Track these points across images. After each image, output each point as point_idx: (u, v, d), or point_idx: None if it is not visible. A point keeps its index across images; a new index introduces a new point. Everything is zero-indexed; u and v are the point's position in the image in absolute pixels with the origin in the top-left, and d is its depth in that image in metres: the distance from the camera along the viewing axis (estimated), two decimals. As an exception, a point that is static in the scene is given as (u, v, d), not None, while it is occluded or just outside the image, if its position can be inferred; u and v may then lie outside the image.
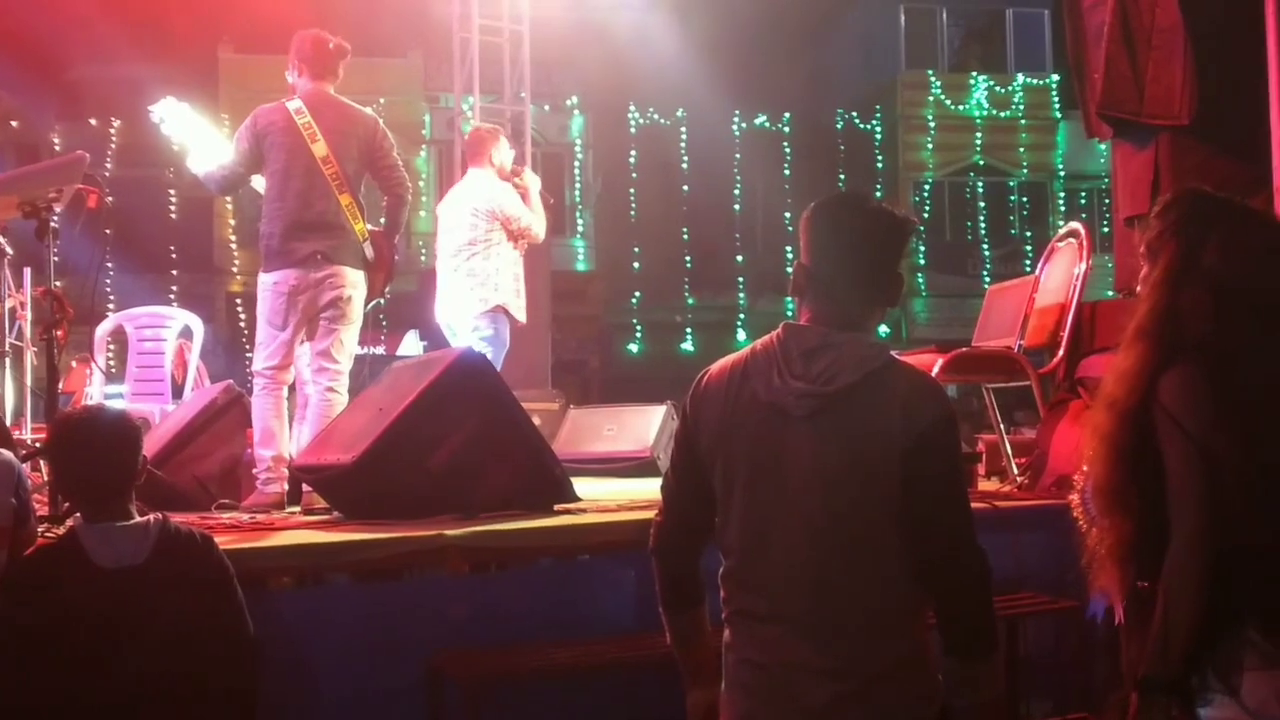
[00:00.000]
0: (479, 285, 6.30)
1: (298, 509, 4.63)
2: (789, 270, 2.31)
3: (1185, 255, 2.27)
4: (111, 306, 12.97)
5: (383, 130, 5.08)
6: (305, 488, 4.63)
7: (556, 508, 4.21)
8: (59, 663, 2.64)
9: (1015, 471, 4.98)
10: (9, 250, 5.24)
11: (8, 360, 5.21)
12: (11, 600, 2.73)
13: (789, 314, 2.35)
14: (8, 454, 3.08)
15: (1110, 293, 9.24)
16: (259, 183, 5.07)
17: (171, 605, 2.69)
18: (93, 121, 19.50)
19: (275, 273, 4.88)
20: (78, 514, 2.91)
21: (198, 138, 5.11)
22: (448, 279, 6.44)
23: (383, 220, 5.15)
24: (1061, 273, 5.12)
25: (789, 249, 19.11)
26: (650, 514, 2.43)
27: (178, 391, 7.58)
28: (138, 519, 2.80)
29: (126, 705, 2.63)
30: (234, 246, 19.80)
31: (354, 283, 4.91)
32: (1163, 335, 2.22)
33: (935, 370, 4.67)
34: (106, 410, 2.96)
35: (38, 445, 4.44)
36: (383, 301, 5.21)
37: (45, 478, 4.21)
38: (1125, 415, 2.21)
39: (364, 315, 5.06)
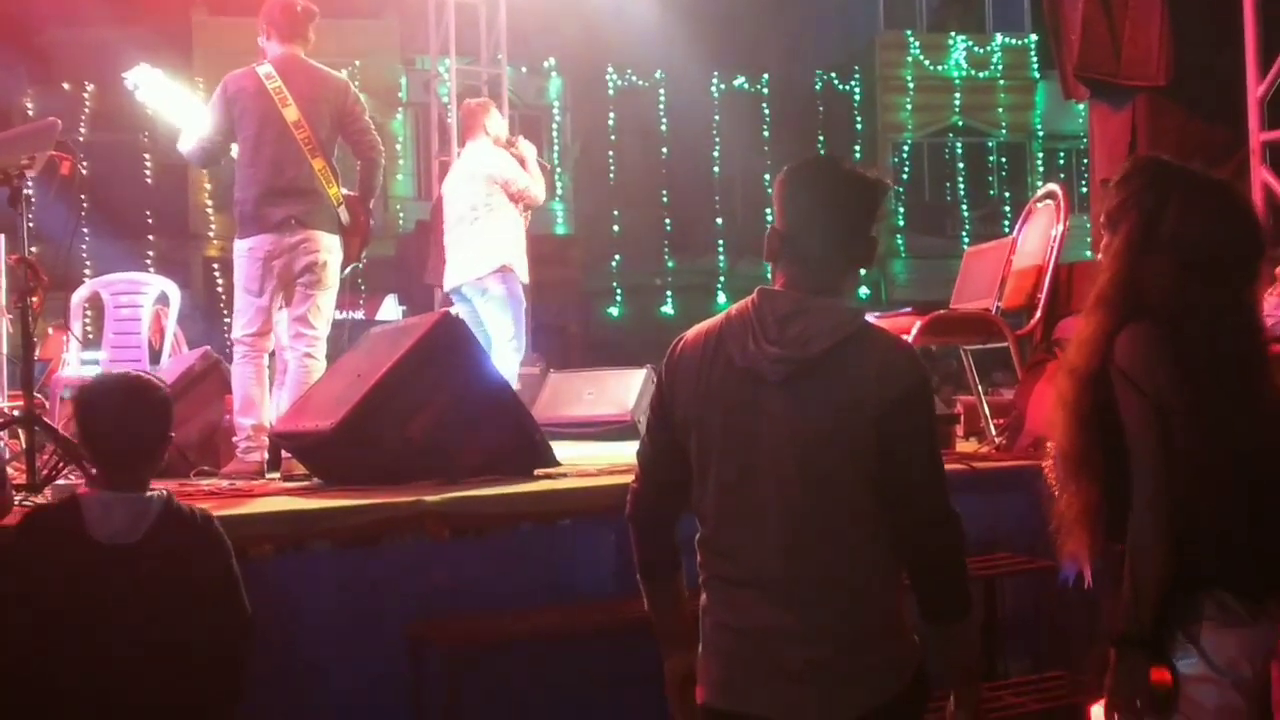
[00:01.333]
0: (484, 246, 6.38)
1: (277, 475, 4.63)
2: (773, 225, 2.30)
3: (1145, 224, 2.29)
4: (88, 272, 12.87)
5: (354, 93, 5.06)
6: (284, 454, 4.63)
7: (536, 472, 4.21)
8: (44, 634, 2.62)
9: (993, 432, 5.01)
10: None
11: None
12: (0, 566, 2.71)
13: (769, 278, 2.35)
14: None
15: (1088, 254, 9.27)
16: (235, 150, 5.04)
17: (162, 583, 2.67)
18: (66, 86, 19.26)
19: (250, 239, 4.86)
20: (74, 480, 2.88)
21: (172, 104, 5.07)
22: (454, 247, 6.53)
23: (357, 184, 5.13)
24: (1039, 234, 5.13)
25: (769, 211, 19.02)
26: (631, 478, 2.44)
27: (155, 358, 7.54)
28: (145, 493, 2.78)
29: (111, 681, 2.62)
30: (210, 211, 19.66)
31: (329, 247, 4.90)
32: (1122, 302, 2.25)
33: (914, 332, 4.68)
34: (138, 378, 2.93)
35: (15, 413, 4.41)
36: (359, 266, 5.20)
37: (23, 444, 4.20)
38: (1085, 380, 2.24)
39: (341, 280, 5.06)
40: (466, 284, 6.44)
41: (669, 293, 21.67)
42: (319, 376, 4.78)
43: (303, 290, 4.87)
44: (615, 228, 21.51)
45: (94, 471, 2.89)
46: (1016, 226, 5.34)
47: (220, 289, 18.16)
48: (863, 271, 2.35)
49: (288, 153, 4.86)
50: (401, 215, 19.79)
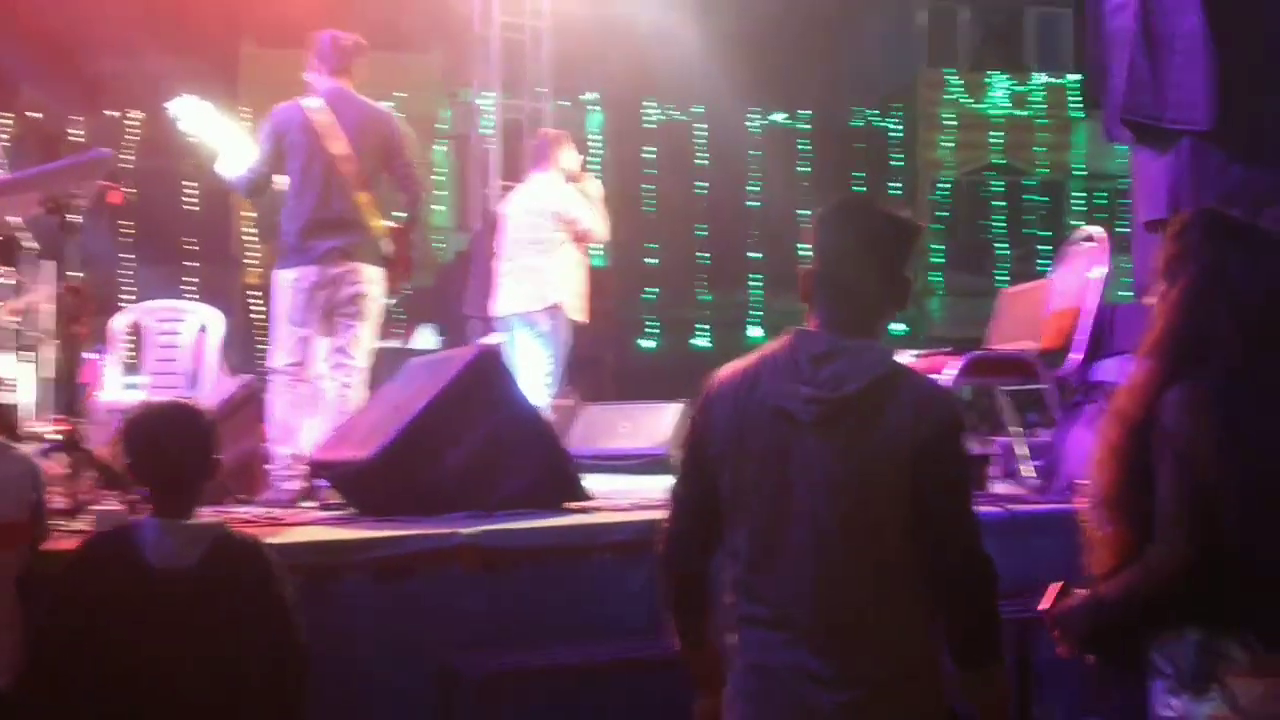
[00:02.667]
0: (540, 283, 6.40)
1: (314, 504, 4.66)
2: (808, 266, 2.33)
3: (1204, 277, 2.28)
4: (131, 298, 13.02)
5: (401, 128, 5.12)
6: (322, 483, 4.67)
7: (568, 505, 4.23)
8: (103, 659, 2.63)
9: (1029, 474, 4.99)
10: (34, 244, 5.29)
11: (33, 354, 5.26)
12: (59, 592, 2.73)
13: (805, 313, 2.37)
14: (25, 451, 3.11)
15: (1127, 294, 9.21)
16: (283, 180, 5.11)
17: (217, 611, 2.68)
18: (114, 114, 19.58)
19: (294, 269, 4.91)
20: (114, 506, 2.90)
21: (216, 134, 5.15)
22: (511, 275, 6.56)
23: (400, 216, 5.18)
24: (1075, 276, 5.13)
25: (802, 247, 19.03)
26: (663, 514, 2.46)
27: (192, 383, 7.61)
28: (199, 520, 2.81)
29: (169, 707, 2.63)
30: (251, 239, 19.87)
31: (372, 279, 4.95)
32: (1177, 354, 2.25)
33: (954, 372, 4.69)
34: (185, 406, 2.97)
35: (59, 438, 4.48)
36: (399, 295, 5.24)
37: (66, 470, 4.25)
38: (1131, 429, 2.24)
39: (383, 310, 5.11)
40: (516, 315, 6.48)
41: (704, 326, 21.68)
42: (357, 406, 4.82)
43: (345, 321, 4.91)
44: (650, 260, 21.56)
45: (140, 498, 2.92)
46: (1053, 267, 5.34)
47: (255, 316, 18.34)
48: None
49: (334, 186, 4.92)
50: (442, 245, 19.92)
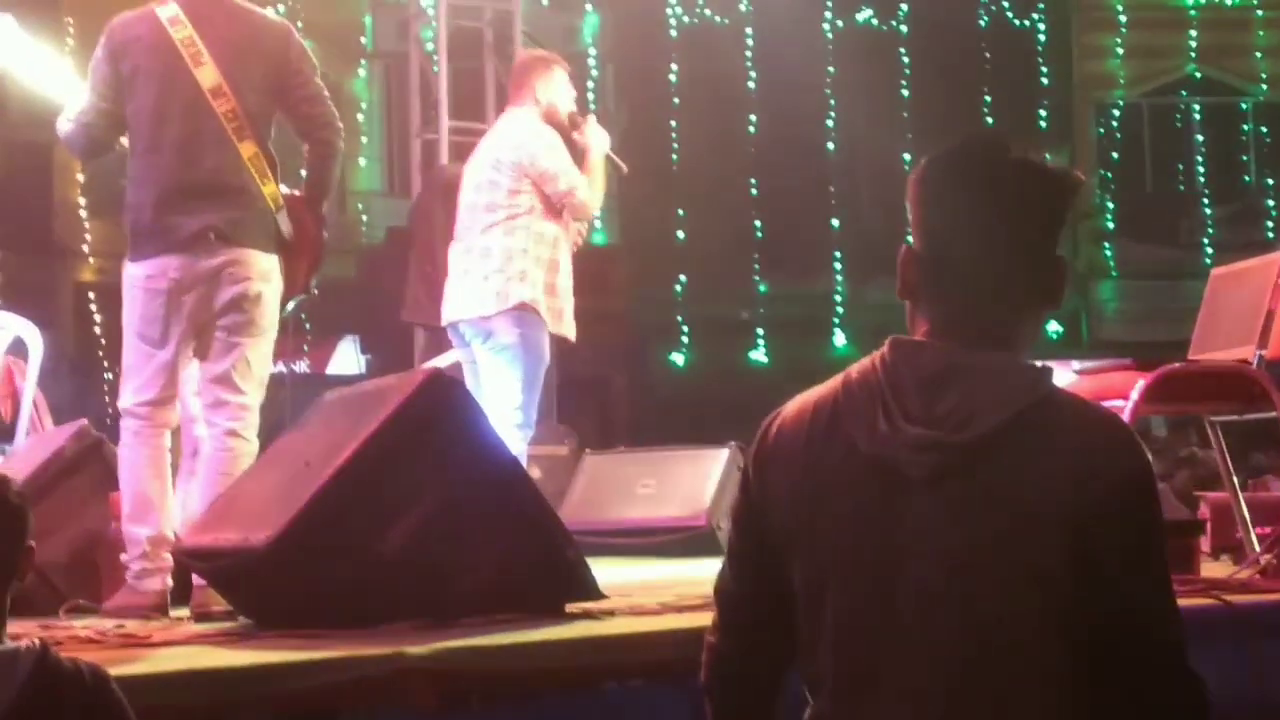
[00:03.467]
0: (496, 272, 6.42)
1: (186, 613, 4.68)
2: (910, 242, 2.35)
3: None
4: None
5: (299, 44, 5.16)
6: (197, 581, 4.69)
7: (569, 608, 4.24)
8: None
9: (1256, 547, 4.99)
10: None
11: None
12: None
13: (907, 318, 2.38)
14: None
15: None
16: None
17: None
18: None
19: (147, 261, 4.95)
20: None
21: (31, 62, 5.20)
22: (460, 264, 6.61)
23: (303, 178, 5.23)
24: (1325, 248, 5.14)
25: (909, 213, 18.94)
26: (709, 615, 2.47)
27: (5, 434, 7.66)
28: (6, 645, 2.83)
29: None
30: (84, 214, 19.94)
31: (264, 273, 4.99)
32: None
33: (1134, 397, 4.71)
34: None
35: None
36: (306, 296, 5.28)
37: None
38: None
39: (282, 319, 5.14)
40: (466, 322, 6.50)
41: (760, 331, 21.69)
42: (248, 464, 4.85)
43: (225, 337, 4.94)
44: (680, 234, 21.58)
45: None
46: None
47: (100, 332, 18.40)
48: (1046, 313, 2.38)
49: (203, 133, 4.95)
50: (365, 219, 20.02)
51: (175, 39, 4.98)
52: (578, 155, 6.71)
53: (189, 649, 3.90)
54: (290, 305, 5.22)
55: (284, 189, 5.10)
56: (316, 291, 5.35)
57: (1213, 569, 5.09)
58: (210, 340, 4.97)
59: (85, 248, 20.01)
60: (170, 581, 4.84)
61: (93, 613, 4.79)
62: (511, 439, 6.18)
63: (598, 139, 6.77)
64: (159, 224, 4.94)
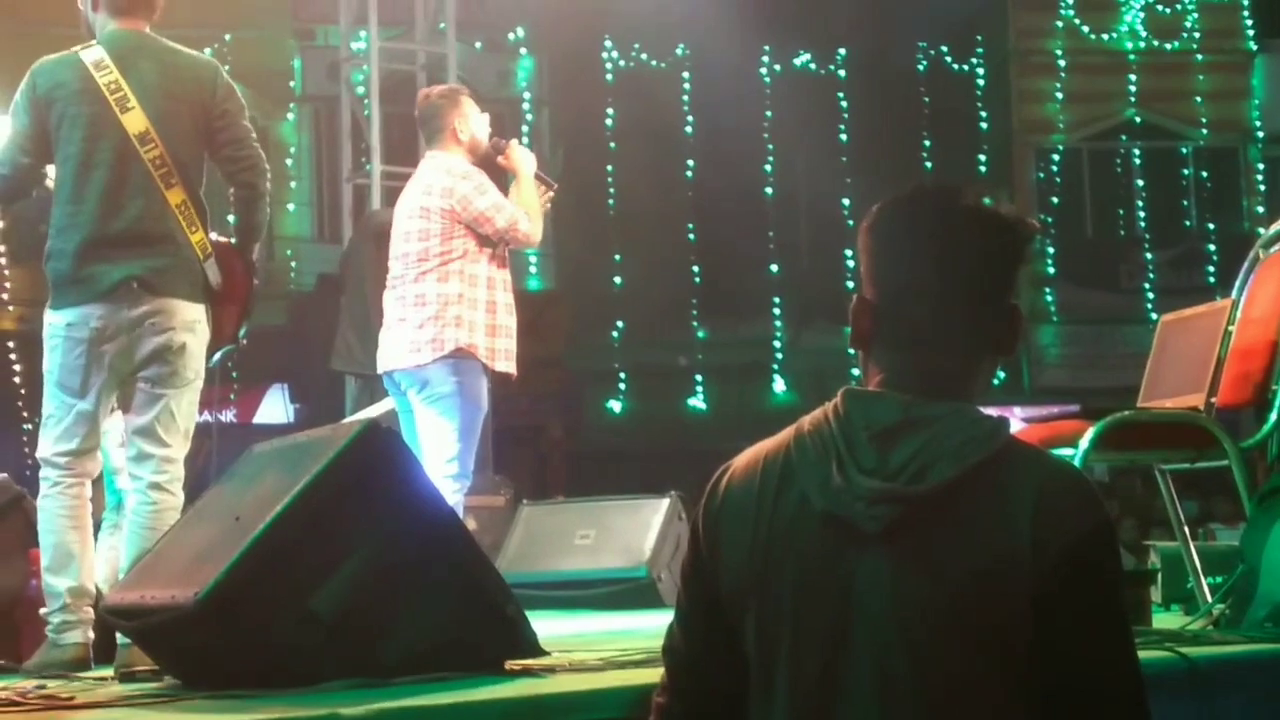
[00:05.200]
0: (431, 319, 6.40)
1: (111, 673, 4.61)
2: (850, 285, 2.32)
3: None
4: None
5: (226, 84, 5.14)
6: (121, 639, 4.63)
7: (509, 665, 4.20)
8: None
9: (1208, 598, 5.00)
10: None
11: None
12: None
13: (852, 355, 2.38)
14: None
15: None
16: (51, 175, 5.12)
17: None
18: None
19: (69, 310, 4.92)
20: None
21: None
22: (389, 313, 6.60)
23: (232, 224, 5.19)
24: (1270, 293, 5.15)
25: (849, 254, 19.19)
26: (654, 672, 2.44)
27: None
28: None
29: None
30: (2, 261, 19.82)
31: (189, 323, 4.96)
32: None
33: (1084, 445, 4.72)
34: None
35: None
36: (235, 347, 5.25)
37: None
38: None
39: (208, 369, 5.10)
40: (402, 371, 6.47)
41: (699, 378, 21.74)
42: (173, 518, 4.80)
43: (149, 389, 4.91)
44: (617, 279, 21.63)
45: None
46: (1238, 281, 5.36)
47: (20, 381, 18.24)
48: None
49: (129, 181, 4.92)
50: (294, 265, 19.97)
51: (101, 84, 4.95)
52: (505, 181, 6.70)
53: (112, 711, 3.84)
54: (218, 356, 5.18)
55: (215, 236, 5.07)
56: (245, 341, 5.32)
57: (1165, 620, 5.09)
58: (133, 391, 4.94)
59: (4, 295, 19.86)
60: (92, 635, 4.79)
61: (13, 672, 4.73)
62: (447, 490, 6.15)
63: (524, 161, 6.77)
64: (81, 272, 4.91)
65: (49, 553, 4.86)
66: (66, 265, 4.94)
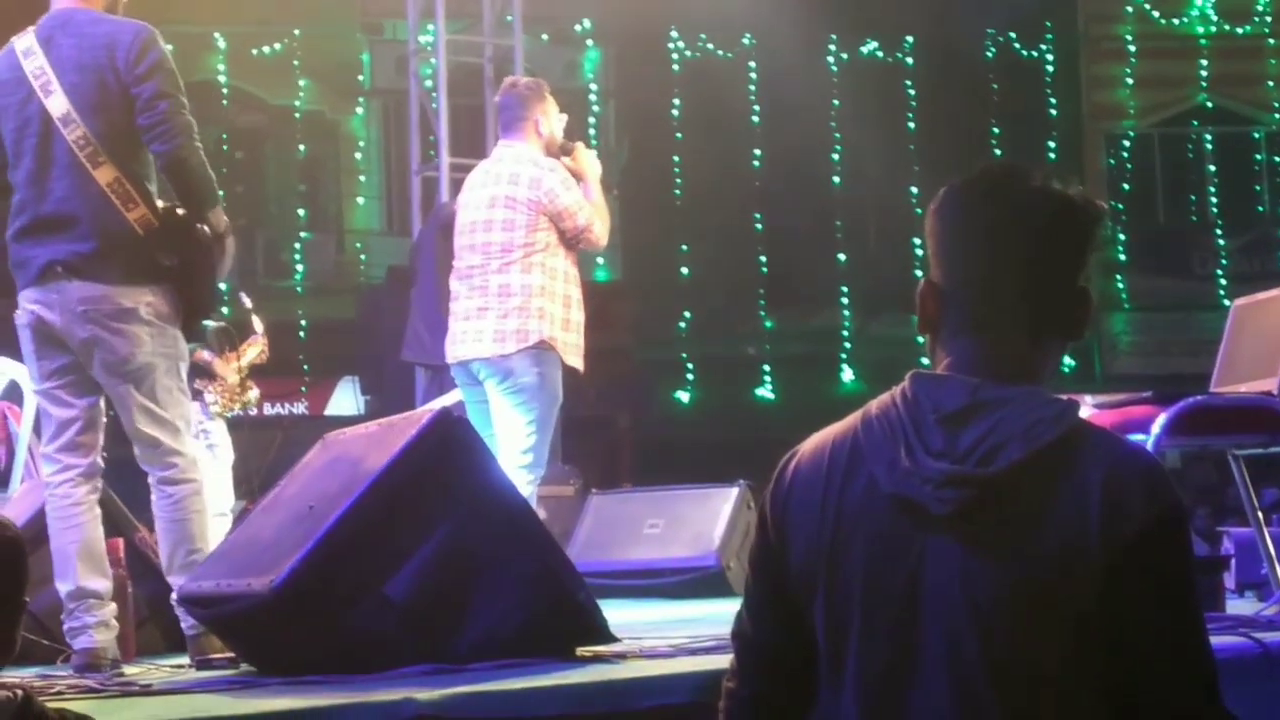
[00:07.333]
0: (516, 310, 6.41)
1: (186, 661, 4.67)
2: (918, 274, 2.32)
3: None
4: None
5: (141, 46, 4.84)
6: (190, 627, 4.67)
7: (580, 652, 4.23)
8: None
9: (1284, 583, 4.99)
10: None
11: None
12: None
13: (920, 344, 2.37)
14: None
15: None
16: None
17: None
18: None
19: (19, 296, 4.93)
20: None
21: None
22: (465, 302, 6.57)
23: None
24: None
25: (916, 242, 19.07)
26: (725, 657, 2.45)
27: (2, 481, 7.65)
28: None
29: None
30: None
31: (127, 310, 4.79)
32: None
33: (1156, 430, 4.71)
34: None
35: None
36: (208, 327, 5.11)
37: None
38: None
39: (191, 351, 5.00)
40: (482, 361, 6.47)
41: (766, 367, 21.68)
42: (197, 502, 4.83)
43: (113, 385, 4.82)
44: (684, 270, 21.59)
45: None
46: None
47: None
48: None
49: (54, 163, 4.84)
50: (364, 258, 20.04)
51: (27, 71, 4.85)
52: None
53: (191, 697, 3.89)
54: (209, 327, 5.09)
55: (164, 205, 4.91)
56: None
57: (1238, 606, 5.07)
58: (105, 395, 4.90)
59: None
60: (99, 637, 4.68)
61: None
62: (521, 481, 6.16)
63: (592, 164, 6.78)
64: (17, 258, 4.91)
65: (54, 557, 4.83)
66: (11, 252, 4.93)
